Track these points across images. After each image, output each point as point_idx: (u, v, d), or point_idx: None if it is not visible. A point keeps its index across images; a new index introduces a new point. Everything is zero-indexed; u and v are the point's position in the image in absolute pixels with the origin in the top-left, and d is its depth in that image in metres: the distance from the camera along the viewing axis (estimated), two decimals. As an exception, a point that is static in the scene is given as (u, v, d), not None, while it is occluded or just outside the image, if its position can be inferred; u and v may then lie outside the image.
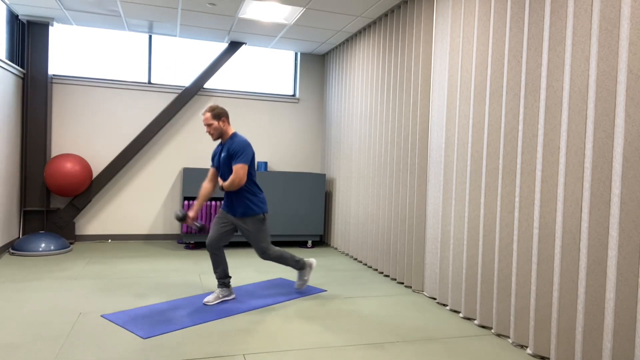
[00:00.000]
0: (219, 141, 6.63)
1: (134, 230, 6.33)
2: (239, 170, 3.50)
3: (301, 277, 4.05)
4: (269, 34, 5.96)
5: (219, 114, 3.61)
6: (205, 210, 5.83)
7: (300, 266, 4.00)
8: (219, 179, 3.72)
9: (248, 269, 4.95)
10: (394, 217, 4.69)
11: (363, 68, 5.54)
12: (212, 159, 3.81)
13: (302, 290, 4.11)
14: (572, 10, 2.64)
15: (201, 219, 5.81)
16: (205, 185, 3.76)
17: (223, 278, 3.73)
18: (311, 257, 5.68)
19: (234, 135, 3.66)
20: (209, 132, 3.63)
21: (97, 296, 3.75)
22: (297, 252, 5.93)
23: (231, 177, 3.52)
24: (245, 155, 3.54)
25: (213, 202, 5.86)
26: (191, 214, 3.67)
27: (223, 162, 3.64)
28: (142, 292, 3.92)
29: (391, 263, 4.73)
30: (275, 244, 6.57)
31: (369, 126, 5.33)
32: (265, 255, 3.73)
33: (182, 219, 3.61)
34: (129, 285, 4.12)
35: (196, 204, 3.71)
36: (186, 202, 5.76)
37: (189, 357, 2.65)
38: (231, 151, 3.56)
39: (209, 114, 3.61)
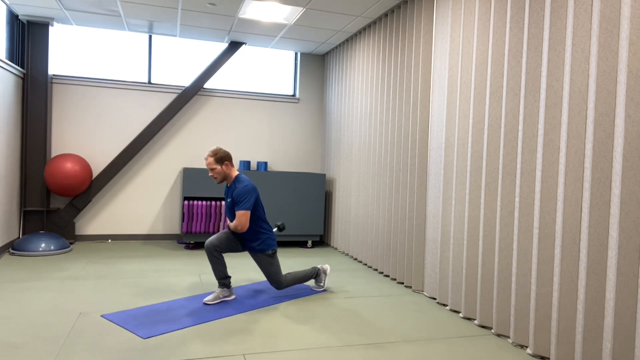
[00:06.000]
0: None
1: (134, 230, 6.33)
2: (241, 217, 3.58)
3: (317, 282, 4.19)
4: (269, 34, 5.96)
5: (222, 158, 3.65)
6: (209, 209, 5.83)
7: (315, 275, 4.14)
8: (227, 220, 3.83)
9: (248, 268, 4.95)
10: (394, 217, 4.69)
11: (363, 68, 5.54)
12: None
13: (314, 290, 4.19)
14: (572, 10, 2.64)
15: (208, 218, 5.81)
16: None
17: (223, 278, 3.73)
18: (311, 257, 5.68)
19: (237, 179, 3.70)
20: (213, 176, 3.68)
21: (97, 296, 3.75)
22: (297, 252, 5.93)
23: (234, 223, 3.61)
24: (247, 202, 3.59)
25: (219, 202, 5.86)
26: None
27: (229, 207, 3.73)
28: (142, 292, 3.92)
29: (391, 263, 4.73)
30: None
31: (369, 126, 5.33)
32: (279, 286, 3.86)
33: (283, 228, 4.30)
34: (129, 285, 4.12)
35: None
36: (186, 202, 5.76)
37: (189, 357, 2.65)
38: (235, 197, 3.63)
39: (211, 159, 3.63)
